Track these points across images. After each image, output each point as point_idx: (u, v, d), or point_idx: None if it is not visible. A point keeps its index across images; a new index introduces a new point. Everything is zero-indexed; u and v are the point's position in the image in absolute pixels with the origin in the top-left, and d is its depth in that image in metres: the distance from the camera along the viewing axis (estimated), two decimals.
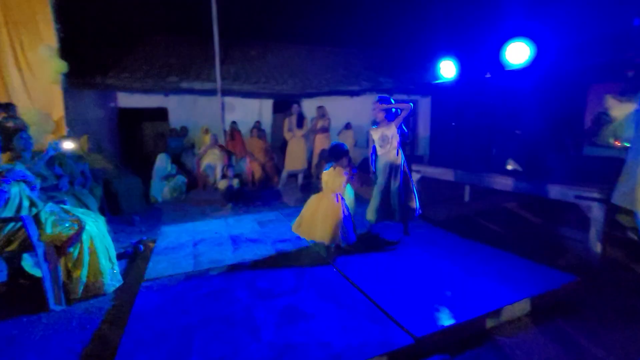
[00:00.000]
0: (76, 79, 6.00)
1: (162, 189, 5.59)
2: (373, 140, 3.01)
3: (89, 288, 2.36)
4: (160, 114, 7.79)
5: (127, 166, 5.80)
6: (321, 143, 7.01)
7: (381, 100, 2.95)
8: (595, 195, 2.62)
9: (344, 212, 2.69)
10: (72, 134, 5.32)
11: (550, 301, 2.06)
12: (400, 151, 2.93)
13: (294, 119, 6.00)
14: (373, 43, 11.34)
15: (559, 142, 3.91)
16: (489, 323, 1.87)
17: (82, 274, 2.32)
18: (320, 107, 7.15)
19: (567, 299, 2.12)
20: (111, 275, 2.47)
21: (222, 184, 5.25)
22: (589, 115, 6.35)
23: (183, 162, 7.22)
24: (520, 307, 1.96)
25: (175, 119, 7.68)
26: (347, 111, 8.43)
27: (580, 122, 6.26)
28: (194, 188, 6.33)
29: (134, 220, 4.37)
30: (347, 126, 7.81)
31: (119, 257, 3.05)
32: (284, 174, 6.20)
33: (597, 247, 2.65)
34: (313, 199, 2.86)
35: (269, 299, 2.08)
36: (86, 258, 2.33)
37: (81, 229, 2.32)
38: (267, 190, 6.12)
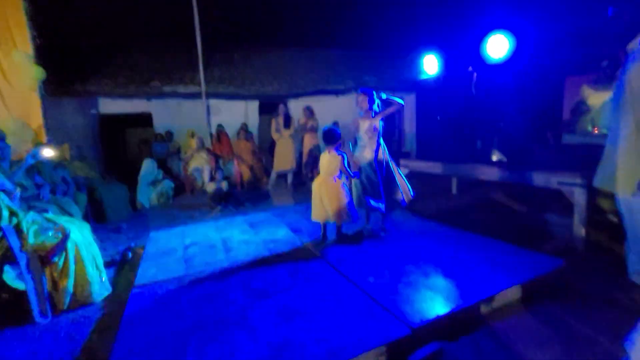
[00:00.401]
0: (55, 86, 5.83)
1: (149, 195, 5.48)
2: (356, 130, 3.08)
3: (77, 298, 2.29)
4: (145, 119, 7.65)
5: (112, 173, 5.66)
6: (310, 142, 7.01)
7: (364, 93, 3.01)
8: (577, 180, 2.70)
9: (345, 191, 2.82)
10: (52, 142, 5.17)
11: (539, 285, 2.10)
12: (382, 142, 3.00)
13: (280, 119, 5.98)
14: (356, 43, 11.39)
15: (540, 133, 4.03)
16: (483, 309, 1.90)
17: (69, 283, 2.25)
18: (307, 107, 7.17)
19: (556, 283, 2.18)
20: (99, 283, 2.40)
21: (210, 187, 5.18)
22: (567, 106, 6.58)
23: (169, 166, 7.10)
24: (512, 293, 2.00)
25: (160, 124, 7.55)
26: (333, 110, 8.45)
27: (558, 113, 6.46)
28: (182, 193, 6.23)
29: (121, 227, 4.27)
30: (335, 125, 7.83)
31: (107, 265, 2.97)
32: (273, 174, 6.17)
33: (581, 231, 2.74)
34: (315, 186, 3.00)
35: (264, 298, 2.06)
36: (72, 267, 2.25)
37: (65, 237, 2.25)
38: (257, 191, 6.09)
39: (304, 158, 7.02)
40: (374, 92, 3.00)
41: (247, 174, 6.50)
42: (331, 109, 8.45)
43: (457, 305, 1.83)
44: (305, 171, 6.91)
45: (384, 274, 2.26)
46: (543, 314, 1.93)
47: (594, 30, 5.77)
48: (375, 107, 3.01)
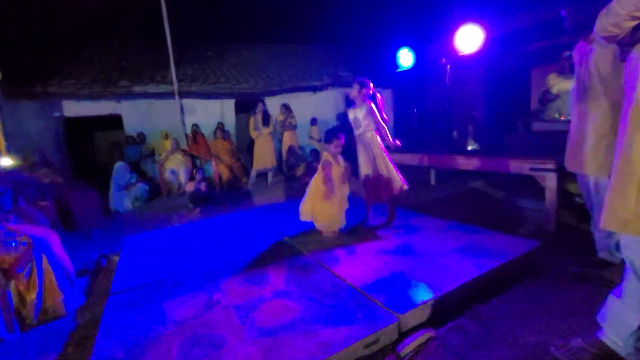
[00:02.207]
0: (12, 88, 5.46)
1: (122, 200, 5.26)
2: (355, 121, 3.01)
3: (47, 311, 2.15)
4: (114, 121, 7.31)
5: (80, 179, 5.37)
6: (289, 140, 6.98)
7: (360, 84, 2.92)
8: (548, 166, 2.82)
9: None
10: (11, 149, 4.85)
11: (517, 266, 2.18)
12: (376, 132, 2.96)
13: (259, 117, 5.89)
14: (331, 39, 11.41)
15: (511, 122, 4.19)
16: (466, 292, 1.94)
17: (37, 296, 2.11)
18: (284, 105, 7.13)
19: (532, 263, 2.27)
20: (70, 294, 2.27)
21: (189, 187, 5.03)
22: (534, 95, 6.89)
23: (144, 170, 6.85)
24: (491, 276, 2.06)
25: (131, 126, 7.24)
26: (311, 107, 8.43)
27: (526, 102, 6.76)
28: (158, 196, 6.01)
29: (93, 234, 4.07)
30: (313, 122, 7.82)
31: (79, 274, 2.83)
32: (253, 173, 6.07)
33: (553, 213, 2.86)
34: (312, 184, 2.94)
35: (249, 297, 2.01)
36: (40, 278, 2.11)
37: (31, 247, 2.10)
38: (236, 191, 5.98)
39: (284, 156, 6.97)
40: (365, 84, 2.92)
41: (226, 174, 6.36)
42: (309, 105, 8.43)
43: (441, 291, 1.87)
44: (285, 169, 6.85)
45: (367, 267, 2.26)
46: (522, 294, 2.00)
47: (555, 22, 6.04)
48: (367, 98, 2.94)
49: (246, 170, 6.75)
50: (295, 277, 2.21)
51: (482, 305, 1.90)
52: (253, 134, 5.92)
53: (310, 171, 6.57)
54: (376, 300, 1.84)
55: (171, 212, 4.93)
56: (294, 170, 6.78)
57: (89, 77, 6.67)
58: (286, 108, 7.22)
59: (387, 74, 9.55)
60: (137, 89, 6.73)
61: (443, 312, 1.83)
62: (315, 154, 6.72)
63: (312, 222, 2.99)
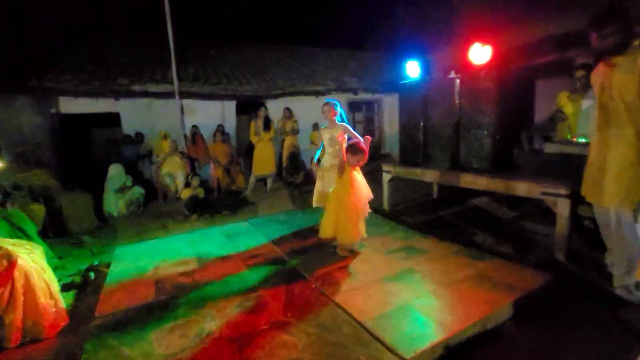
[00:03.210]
0: (6, 83, 5.30)
1: (116, 203, 5.10)
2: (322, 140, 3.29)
3: (27, 333, 2.00)
4: (111, 119, 7.15)
5: (74, 180, 5.22)
6: (291, 145, 6.86)
7: (329, 103, 3.19)
8: (562, 192, 2.69)
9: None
10: (3, 146, 4.70)
11: (530, 302, 2.06)
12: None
13: (260, 121, 5.74)
14: (337, 42, 11.30)
15: (517, 138, 4.07)
16: (478, 332, 1.81)
17: (17, 317, 1.96)
18: (287, 109, 7.01)
19: (545, 298, 2.14)
20: (54, 314, 2.12)
21: (185, 193, 4.88)
22: (538, 108, 6.80)
23: (140, 171, 6.70)
24: (504, 313, 1.94)
25: (129, 125, 7.08)
26: (313, 111, 8.29)
27: (530, 117, 6.66)
28: (153, 199, 5.86)
29: (84, 241, 3.93)
30: (315, 127, 7.70)
31: (66, 288, 2.69)
32: (252, 179, 5.93)
33: (564, 242, 2.74)
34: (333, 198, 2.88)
35: (244, 328, 1.88)
36: (20, 298, 1.97)
37: (12, 264, 1.96)
38: (234, 197, 5.83)
39: (284, 162, 6.84)
40: (338, 104, 3.21)
41: (224, 179, 6.21)
42: (311, 110, 8.28)
43: (451, 330, 1.74)
44: (285, 175, 6.72)
45: (371, 295, 2.13)
46: (535, 334, 1.88)
47: (562, 39, 5.99)
48: (338, 118, 3.19)
49: (245, 175, 6.60)
50: (295, 307, 2.07)
51: (494, 345, 1.77)
52: (253, 139, 5.78)
53: (312, 179, 6.44)
54: (381, 339, 1.71)
55: (167, 217, 4.78)
56: (294, 177, 6.65)
57: (87, 74, 6.51)
58: (289, 112, 7.09)
59: (393, 81, 9.44)
60: (137, 87, 6.58)
61: (453, 354, 1.71)
62: (319, 161, 6.59)
63: (312, 237, 2.90)
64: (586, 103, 3.46)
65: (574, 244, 2.88)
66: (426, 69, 4.06)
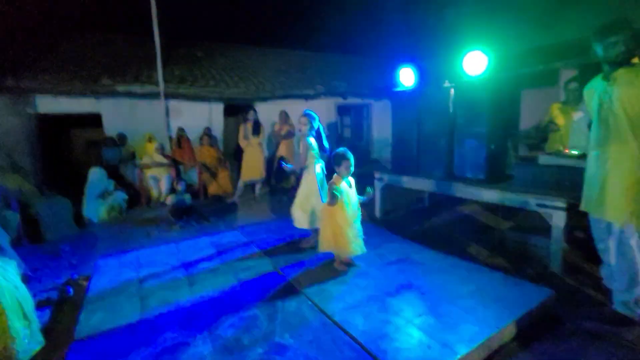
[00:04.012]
0: None
1: (97, 209, 4.86)
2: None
3: None
4: (92, 120, 6.85)
5: (52, 184, 4.94)
6: (284, 150, 6.74)
7: (306, 115, 3.17)
8: (557, 204, 2.70)
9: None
10: None
11: (531, 320, 2.02)
12: (317, 164, 3.17)
13: (249, 125, 5.61)
14: (326, 46, 11.27)
15: (506, 147, 4.11)
16: (480, 355, 1.76)
17: None
18: (283, 112, 6.90)
19: (545, 315, 2.11)
20: (27, 337, 1.94)
21: (170, 200, 4.69)
22: (524, 116, 6.95)
23: (122, 174, 6.42)
24: (507, 332, 1.89)
25: (111, 126, 6.78)
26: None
27: (516, 126, 6.79)
28: (137, 205, 5.63)
29: (62, 250, 3.69)
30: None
31: (41, 305, 2.50)
32: (240, 184, 5.77)
33: (560, 254, 2.74)
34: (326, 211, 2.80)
35: (237, 351, 1.76)
36: None
37: None
38: (222, 203, 5.66)
39: (274, 167, 6.70)
40: (315, 117, 3.21)
41: (211, 184, 6.03)
42: (300, 113, 8.22)
43: (456, 353, 1.67)
44: (273, 181, 6.59)
45: (370, 313, 2.05)
46: (538, 354, 1.84)
47: (551, 49, 6.15)
48: (313, 132, 3.17)
49: (233, 180, 6.43)
50: (290, 326, 1.97)
51: None
52: (242, 143, 5.63)
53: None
54: None
55: (151, 224, 4.58)
56: (282, 182, 6.53)
57: (69, 73, 6.21)
58: (286, 115, 6.97)
59: (383, 87, 9.48)
60: (121, 88, 6.32)
61: None
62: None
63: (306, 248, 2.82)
64: (577, 115, 3.51)
65: (567, 255, 2.89)
66: (420, 76, 4.04)
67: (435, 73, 3.97)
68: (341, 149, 2.68)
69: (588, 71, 2.93)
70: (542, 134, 4.07)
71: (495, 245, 3.36)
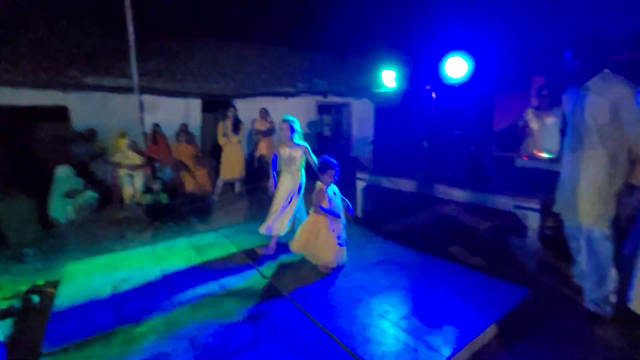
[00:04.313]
0: None
1: (65, 209, 4.56)
2: (279, 156, 3.18)
3: None
4: (59, 113, 6.43)
5: (14, 182, 4.59)
6: (264, 148, 6.64)
7: (287, 121, 3.06)
8: (533, 205, 2.81)
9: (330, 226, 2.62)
10: None
11: (511, 319, 2.09)
12: (303, 174, 3.10)
13: (229, 123, 5.47)
14: (308, 42, 11.16)
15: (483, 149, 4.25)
16: (465, 355, 1.79)
17: None
18: (263, 110, 6.79)
19: (523, 314, 2.19)
20: None
21: (145, 199, 4.49)
22: (496, 120, 7.24)
23: (92, 171, 6.09)
24: (489, 332, 1.94)
25: (80, 120, 6.40)
26: (282, 113, 8.09)
27: (490, 128, 7.07)
28: (109, 204, 5.35)
29: (26, 255, 3.44)
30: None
31: (2, 316, 2.30)
32: (219, 183, 5.62)
33: (535, 253, 2.86)
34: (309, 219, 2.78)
35: None
36: None
37: None
38: (201, 202, 5.48)
39: (255, 165, 6.59)
40: (296, 123, 3.10)
41: (189, 182, 5.83)
42: (280, 111, 8.07)
43: (442, 356, 1.70)
44: (253, 179, 6.47)
45: (356, 317, 2.05)
46: (518, 354, 1.90)
47: (522, 54, 6.43)
48: (295, 137, 3.05)
49: (212, 178, 6.25)
50: (276, 332, 1.92)
51: None
52: (221, 141, 5.48)
53: None
54: None
55: (124, 225, 4.36)
56: (262, 180, 6.43)
57: (30, 63, 5.79)
58: (266, 113, 6.86)
59: (363, 87, 9.52)
60: (90, 80, 5.97)
61: None
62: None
63: (288, 250, 2.84)
64: (550, 120, 3.67)
65: (541, 253, 3.02)
66: (402, 79, 4.08)
67: (417, 76, 4.03)
68: (325, 157, 2.66)
69: (559, 78, 3.06)
70: (517, 138, 4.22)
71: (474, 244, 3.46)
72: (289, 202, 3.04)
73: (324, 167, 2.64)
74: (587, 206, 2.11)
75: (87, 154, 6.17)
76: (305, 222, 2.75)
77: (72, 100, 6.31)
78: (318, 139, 9.67)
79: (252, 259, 2.96)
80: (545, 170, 3.05)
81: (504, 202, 3.04)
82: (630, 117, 1.96)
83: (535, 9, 6.55)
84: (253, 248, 3.17)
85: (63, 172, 4.64)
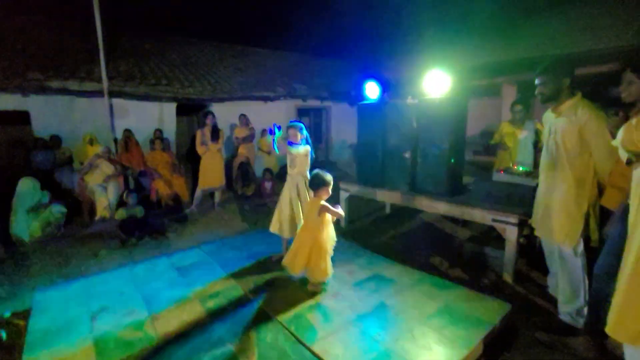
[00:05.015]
0: None
1: (29, 225, 4.24)
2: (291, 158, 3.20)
3: None
4: (18, 119, 5.97)
5: None
6: (244, 154, 6.54)
7: (295, 126, 3.13)
8: (511, 219, 2.95)
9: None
10: None
11: (494, 335, 2.18)
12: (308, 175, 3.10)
13: (207, 131, 5.30)
14: (285, 45, 11.07)
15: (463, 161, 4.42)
16: None
17: None
18: (243, 116, 6.70)
19: (504, 328, 2.30)
20: None
21: (120, 215, 4.27)
22: (469, 123, 7.62)
23: (58, 181, 5.70)
24: (476, 351, 2.02)
25: (42, 126, 5.99)
26: (262, 117, 8.03)
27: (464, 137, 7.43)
28: (77, 216, 5.04)
29: None
30: (265, 133, 7.45)
31: None
32: (198, 193, 5.45)
33: (512, 265, 3.01)
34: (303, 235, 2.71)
35: None
36: None
37: None
38: (179, 214, 5.29)
39: (234, 172, 6.46)
40: (304, 128, 3.18)
41: (166, 193, 5.61)
42: (259, 115, 8.01)
43: None
44: (235, 187, 6.35)
45: (349, 341, 2.06)
46: None
47: (493, 64, 6.78)
48: (303, 141, 3.16)
49: (188, 185, 6.05)
50: None
51: None
52: (200, 150, 5.30)
53: (263, 192, 6.18)
54: None
55: (97, 242, 4.13)
56: (244, 188, 6.32)
57: None
58: (245, 119, 6.74)
59: (342, 91, 9.57)
60: (55, 84, 5.59)
61: None
62: (270, 173, 6.35)
63: (275, 268, 2.89)
64: (523, 134, 3.87)
65: (517, 263, 3.18)
66: (384, 90, 4.14)
67: (399, 87, 4.10)
68: (321, 172, 2.64)
69: (528, 88, 3.20)
70: (493, 151, 4.38)
71: (454, 256, 3.58)
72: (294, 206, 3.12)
73: (320, 183, 2.61)
74: (558, 225, 2.25)
75: (50, 163, 5.77)
76: (300, 241, 2.69)
77: (33, 105, 5.89)
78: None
79: (237, 279, 2.89)
80: (520, 185, 3.21)
81: (482, 215, 3.17)
82: (595, 142, 2.10)
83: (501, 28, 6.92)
84: (260, 259, 3.25)
85: (27, 186, 4.30)
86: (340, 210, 2.63)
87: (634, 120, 1.34)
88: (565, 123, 2.22)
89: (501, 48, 6.83)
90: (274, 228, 3.21)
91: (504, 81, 7.23)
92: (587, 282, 2.24)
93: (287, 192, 3.16)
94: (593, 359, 2.04)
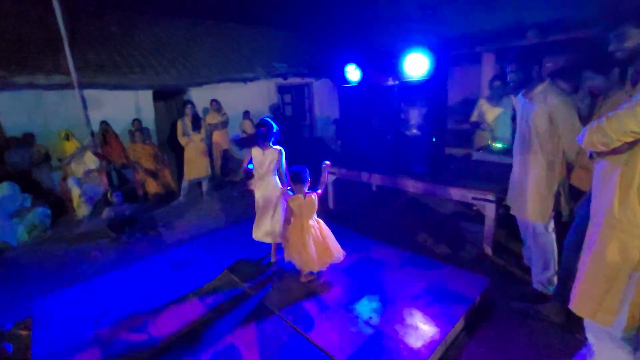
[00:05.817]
0: None
1: (15, 230, 4.19)
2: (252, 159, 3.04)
3: None
4: None
5: None
6: (220, 141, 6.45)
7: (264, 124, 2.93)
8: (489, 197, 3.11)
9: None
10: None
11: (473, 309, 2.39)
12: (276, 179, 3.01)
13: (188, 121, 5.20)
14: (260, 19, 10.55)
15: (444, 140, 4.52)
16: (440, 351, 2.06)
17: None
18: (214, 101, 6.48)
19: (483, 302, 2.51)
20: None
21: (106, 214, 4.25)
22: (451, 93, 7.72)
23: (37, 180, 5.55)
24: (458, 326, 2.22)
25: (13, 124, 5.69)
26: (242, 99, 7.84)
27: (445, 102, 7.53)
28: (62, 215, 4.99)
29: None
30: (246, 115, 7.31)
31: None
32: (185, 184, 5.43)
33: (490, 239, 3.22)
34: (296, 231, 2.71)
35: None
36: None
37: None
38: (167, 206, 5.29)
39: (216, 160, 6.41)
40: (274, 126, 2.94)
41: (152, 185, 5.56)
42: (240, 97, 7.82)
43: (424, 356, 1.93)
44: (220, 175, 6.33)
45: (344, 326, 2.22)
46: (479, 340, 2.22)
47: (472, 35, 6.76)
48: (271, 141, 2.95)
49: (173, 174, 5.98)
50: (272, 352, 2.05)
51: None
52: (182, 140, 5.22)
53: (250, 176, 6.19)
54: None
55: (87, 242, 4.13)
56: (230, 175, 6.31)
57: None
58: (217, 104, 6.57)
59: (323, 66, 9.36)
60: (20, 80, 5.27)
61: None
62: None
63: (268, 259, 3.01)
64: (500, 110, 3.96)
65: (495, 234, 3.39)
66: (365, 73, 4.11)
67: (380, 70, 4.08)
68: (297, 168, 2.67)
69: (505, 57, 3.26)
70: (473, 130, 4.46)
71: (438, 232, 3.78)
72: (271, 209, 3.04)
73: (301, 177, 2.66)
74: (531, 205, 2.42)
75: (26, 161, 5.57)
76: (298, 232, 2.71)
77: None
78: (282, 121, 9.52)
79: (233, 272, 3.00)
80: (497, 163, 3.36)
81: (463, 194, 3.32)
82: (563, 126, 2.22)
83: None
84: (237, 259, 3.23)
85: (7, 190, 4.21)
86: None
87: (594, 123, 1.43)
88: (536, 107, 2.31)
89: (482, 19, 6.79)
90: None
91: (482, 50, 7.24)
92: (556, 254, 2.44)
93: (258, 192, 3.06)
94: (561, 323, 2.28)
